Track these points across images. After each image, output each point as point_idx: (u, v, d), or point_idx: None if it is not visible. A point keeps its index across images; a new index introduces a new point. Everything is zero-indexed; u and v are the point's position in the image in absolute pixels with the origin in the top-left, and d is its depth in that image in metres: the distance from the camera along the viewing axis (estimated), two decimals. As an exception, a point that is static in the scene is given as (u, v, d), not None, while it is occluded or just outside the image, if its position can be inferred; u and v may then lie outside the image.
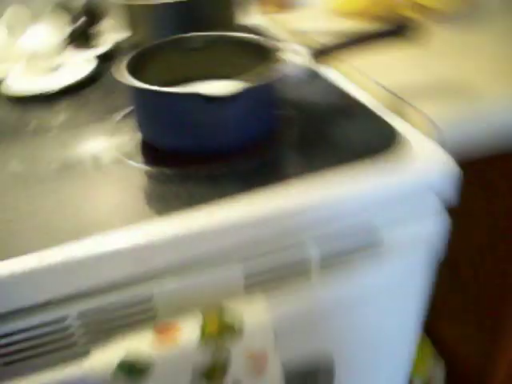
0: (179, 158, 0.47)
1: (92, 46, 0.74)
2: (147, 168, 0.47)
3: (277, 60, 0.49)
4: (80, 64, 0.69)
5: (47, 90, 0.64)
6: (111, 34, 0.78)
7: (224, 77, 0.57)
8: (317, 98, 0.57)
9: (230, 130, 0.46)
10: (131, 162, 0.48)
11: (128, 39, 0.73)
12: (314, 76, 0.59)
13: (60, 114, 0.61)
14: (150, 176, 0.46)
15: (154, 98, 0.45)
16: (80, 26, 0.73)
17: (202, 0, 0.69)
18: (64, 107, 0.62)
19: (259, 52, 0.53)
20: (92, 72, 0.68)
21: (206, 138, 0.46)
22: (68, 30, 0.72)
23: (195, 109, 0.44)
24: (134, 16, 0.70)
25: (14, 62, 0.68)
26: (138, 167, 0.47)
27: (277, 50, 0.51)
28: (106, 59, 0.72)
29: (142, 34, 0.71)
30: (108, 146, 0.51)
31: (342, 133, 0.50)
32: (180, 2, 0.67)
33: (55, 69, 0.68)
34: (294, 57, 0.51)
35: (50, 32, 0.66)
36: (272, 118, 0.51)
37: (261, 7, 0.89)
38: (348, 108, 0.55)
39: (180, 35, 0.56)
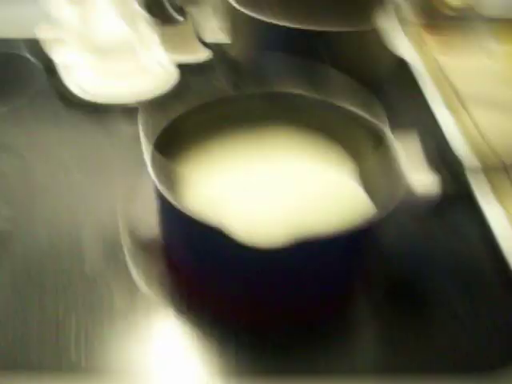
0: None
1: (181, 49, 0.58)
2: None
3: (398, 179, 0.30)
4: (160, 71, 0.55)
5: (125, 100, 0.51)
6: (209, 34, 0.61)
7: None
8: (441, 255, 0.37)
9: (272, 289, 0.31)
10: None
11: (226, 47, 0.57)
12: (453, 211, 0.38)
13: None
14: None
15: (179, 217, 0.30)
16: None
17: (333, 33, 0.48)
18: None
19: (377, 142, 0.35)
20: (173, 86, 0.54)
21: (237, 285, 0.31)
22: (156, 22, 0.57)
23: (224, 248, 0.29)
24: (239, 25, 0.54)
25: (80, 50, 0.55)
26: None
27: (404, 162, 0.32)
28: (191, 69, 0.57)
29: (242, 48, 0.55)
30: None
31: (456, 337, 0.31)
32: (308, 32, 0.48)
33: (131, 72, 0.55)
34: (427, 174, 0.32)
35: (130, 22, 0.53)
36: (350, 282, 0.35)
37: (418, 38, 0.65)
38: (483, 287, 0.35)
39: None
